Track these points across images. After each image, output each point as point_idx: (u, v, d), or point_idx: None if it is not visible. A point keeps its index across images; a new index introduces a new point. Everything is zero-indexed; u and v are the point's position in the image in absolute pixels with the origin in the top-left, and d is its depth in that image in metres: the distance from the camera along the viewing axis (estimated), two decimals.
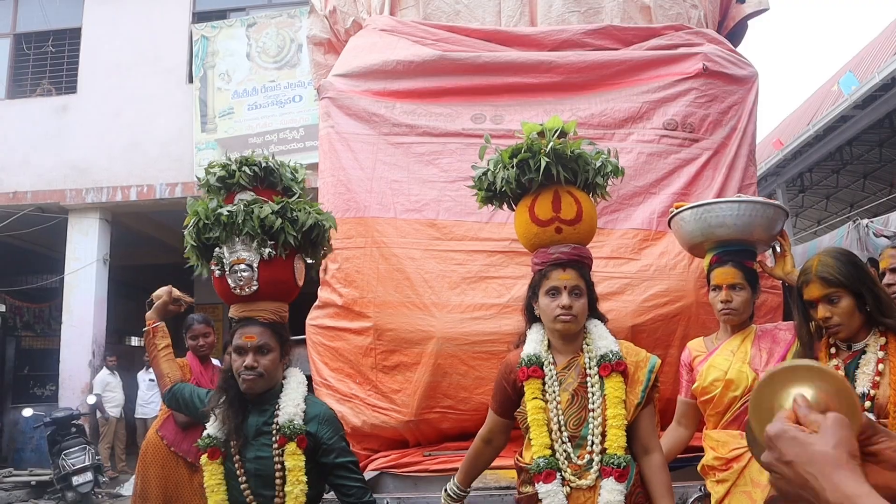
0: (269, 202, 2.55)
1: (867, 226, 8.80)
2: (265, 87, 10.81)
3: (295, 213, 2.57)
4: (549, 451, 2.29)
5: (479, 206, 2.79)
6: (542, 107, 3.78)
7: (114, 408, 10.76)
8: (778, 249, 3.03)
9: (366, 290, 3.70)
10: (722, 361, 2.71)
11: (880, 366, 2.10)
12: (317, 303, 4.01)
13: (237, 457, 2.45)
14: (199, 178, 2.66)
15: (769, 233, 2.94)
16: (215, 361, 4.46)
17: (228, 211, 2.49)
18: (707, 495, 2.78)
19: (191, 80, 11.21)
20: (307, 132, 10.26)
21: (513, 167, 2.54)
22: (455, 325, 3.51)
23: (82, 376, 10.80)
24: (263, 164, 2.63)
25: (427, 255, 3.65)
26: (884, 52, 11.67)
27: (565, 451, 2.30)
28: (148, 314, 2.83)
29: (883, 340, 2.15)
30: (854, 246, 8.82)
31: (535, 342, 2.45)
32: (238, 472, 2.42)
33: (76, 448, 8.97)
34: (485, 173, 2.66)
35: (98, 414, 10.72)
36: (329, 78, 4.12)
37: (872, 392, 2.07)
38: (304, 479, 2.38)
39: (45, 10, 12.27)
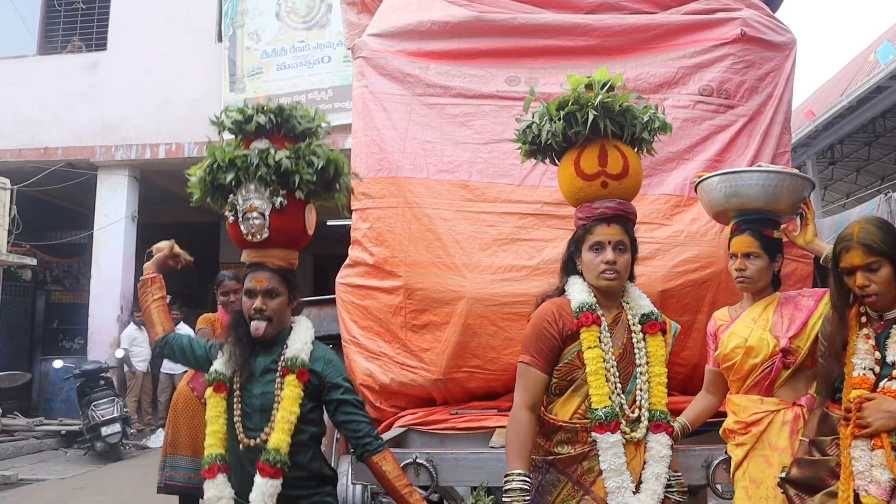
0: (283, 148, 2.61)
1: None
2: (294, 48, 10.82)
3: (309, 157, 2.62)
4: (610, 402, 2.30)
5: (523, 160, 2.81)
6: (576, 70, 3.71)
7: (141, 362, 11.01)
8: (800, 219, 3.02)
9: (397, 249, 3.74)
10: (743, 329, 2.74)
11: None
12: (347, 261, 4.06)
13: (238, 392, 2.56)
14: (216, 116, 2.70)
15: (793, 203, 2.94)
16: None
17: (244, 154, 2.56)
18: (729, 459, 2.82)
19: (220, 39, 11.26)
20: (336, 93, 10.28)
21: (559, 119, 2.53)
22: (485, 286, 3.54)
23: (110, 331, 11.05)
24: (279, 110, 2.68)
25: (459, 216, 3.68)
26: None
27: (620, 403, 2.33)
28: (147, 264, 2.91)
29: None
30: (886, 217, 8.74)
31: (584, 292, 2.44)
32: (235, 406, 2.55)
33: (105, 400, 9.23)
34: (529, 126, 2.66)
35: (125, 368, 10.98)
36: (363, 37, 4.12)
37: None
38: (295, 408, 2.48)
39: None
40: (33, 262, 11.28)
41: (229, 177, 2.56)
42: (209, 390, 2.59)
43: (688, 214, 3.59)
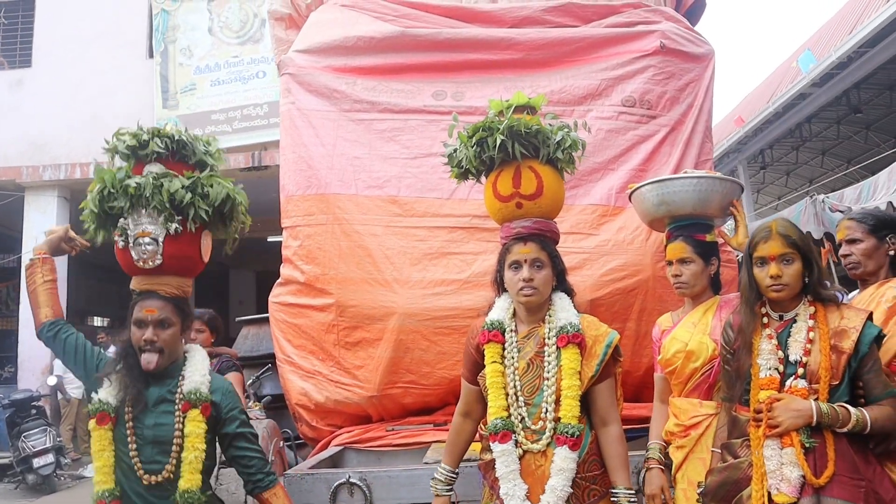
0: (180, 176, 2.51)
1: (823, 201, 9.03)
2: (228, 63, 10.67)
3: (206, 189, 2.52)
4: (505, 413, 2.37)
5: (457, 182, 2.85)
6: (502, 83, 3.80)
7: (75, 389, 10.64)
8: (734, 221, 3.10)
9: (328, 266, 3.71)
10: (683, 333, 2.78)
11: (811, 334, 2.17)
12: (279, 280, 4.01)
13: (130, 423, 2.42)
14: (106, 142, 2.58)
15: (723, 206, 3.01)
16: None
17: (136, 182, 2.44)
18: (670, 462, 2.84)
19: (151, 55, 11.02)
20: (271, 108, 10.15)
21: (472, 145, 2.58)
22: (416, 301, 3.54)
23: (42, 357, 10.65)
24: (176, 137, 2.57)
25: (388, 231, 3.67)
26: (841, 31, 11.86)
27: (520, 414, 2.38)
28: (37, 245, 2.73)
29: (812, 310, 2.22)
30: (811, 220, 9.03)
31: (500, 310, 2.53)
32: (129, 438, 2.40)
33: (36, 430, 8.87)
34: (455, 150, 2.72)
35: (59, 395, 10.59)
36: (290, 54, 4.09)
37: (804, 359, 2.15)
38: (203, 446, 2.40)
39: None
40: None
41: (121, 204, 2.45)
42: (92, 422, 2.41)
43: (614, 224, 3.65)
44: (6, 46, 12.03)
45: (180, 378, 2.50)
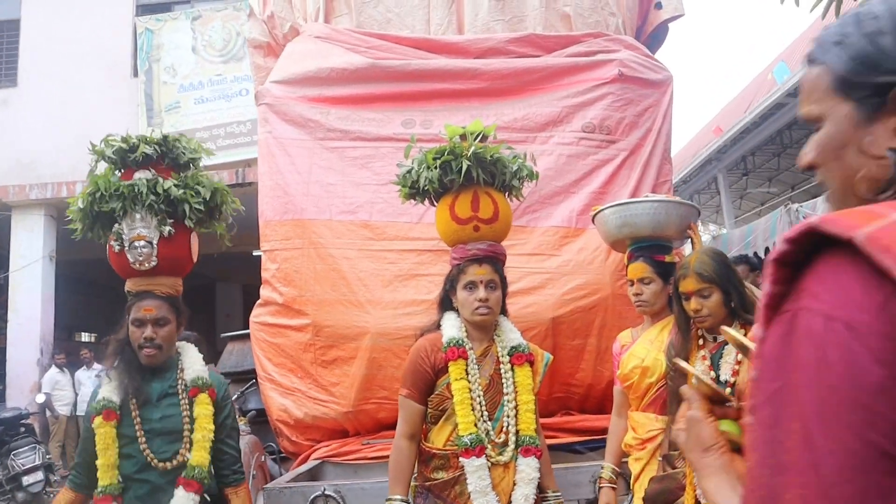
0: (168, 178, 2.65)
1: (797, 210, 9.28)
2: (211, 81, 10.82)
3: (195, 186, 2.68)
4: (475, 429, 2.48)
5: (402, 201, 2.99)
6: (468, 112, 3.98)
7: (64, 406, 10.72)
8: (690, 242, 3.29)
9: (304, 288, 3.88)
10: (640, 350, 2.94)
11: (739, 355, 2.37)
12: (259, 300, 4.18)
13: (137, 418, 2.53)
14: (92, 145, 2.69)
15: (681, 229, 3.20)
16: None
17: (130, 184, 2.56)
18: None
19: (136, 74, 11.15)
20: (254, 126, 10.25)
21: (436, 168, 2.72)
22: (388, 321, 3.71)
23: (30, 375, 10.73)
24: (163, 140, 2.72)
25: (361, 254, 3.84)
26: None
27: (486, 429, 2.51)
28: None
29: (742, 332, 2.42)
30: (787, 228, 9.28)
31: (454, 328, 2.63)
32: (138, 431, 2.51)
33: (25, 448, 8.94)
34: (409, 171, 2.85)
35: (48, 413, 10.67)
36: (266, 84, 4.27)
37: (733, 379, 2.34)
38: (211, 426, 2.54)
39: None
40: None
41: (115, 206, 2.57)
42: (98, 419, 2.51)
43: (575, 244, 3.84)
44: None
45: (179, 371, 2.64)
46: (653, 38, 5.00)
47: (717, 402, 1.11)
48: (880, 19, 0.84)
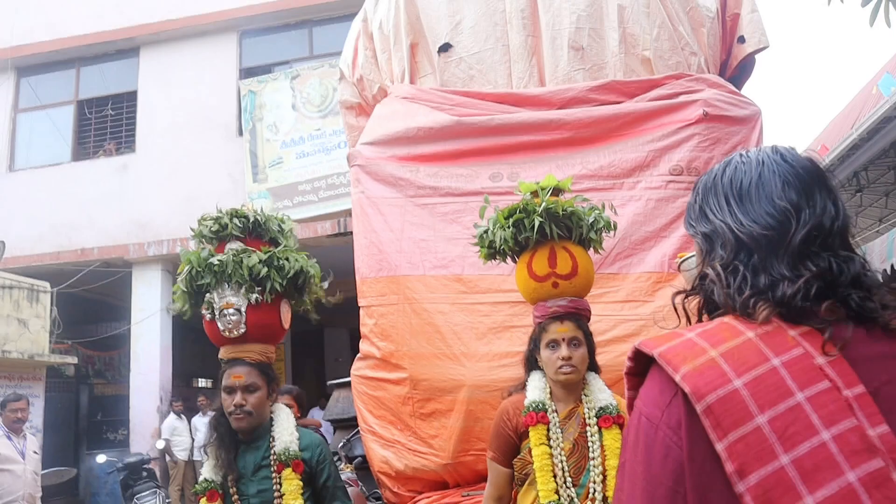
0: (257, 251, 2.76)
1: None
2: (311, 136, 11.30)
3: (280, 262, 2.77)
4: (556, 497, 2.43)
5: (483, 261, 3.00)
6: (554, 162, 4.03)
7: (182, 451, 11.25)
8: None
9: (400, 343, 3.99)
10: None
11: None
12: (359, 354, 4.31)
13: (235, 495, 2.59)
14: (192, 230, 2.88)
15: None
16: None
17: (219, 260, 2.69)
18: None
19: (241, 134, 11.80)
20: None
21: (509, 227, 2.72)
22: (484, 373, 3.76)
23: (151, 421, 11.36)
24: (252, 217, 2.85)
25: (455, 308, 3.92)
26: None
27: (569, 496, 2.45)
28: None
29: None
30: None
31: (538, 389, 2.59)
32: None
33: (147, 492, 9.43)
34: (485, 231, 2.87)
35: (167, 458, 11.22)
36: (357, 146, 4.46)
37: None
38: (299, 501, 2.56)
39: (104, 75, 13.09)
40: (75, 360, 11.72)
41: (207, 280, 2.70)
42: (203, 500, 2.58)
43: (668, 290, 3.77)
44: (114, 134, 13.14)
45: (271, 440, 2.68)
46: (740, 70, 4.91)
47: None
48: (694, 192, 1.23)
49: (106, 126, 13.20)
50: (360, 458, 5.99)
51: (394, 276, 4.07)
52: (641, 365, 1.03)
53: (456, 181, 4.15)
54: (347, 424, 6.62)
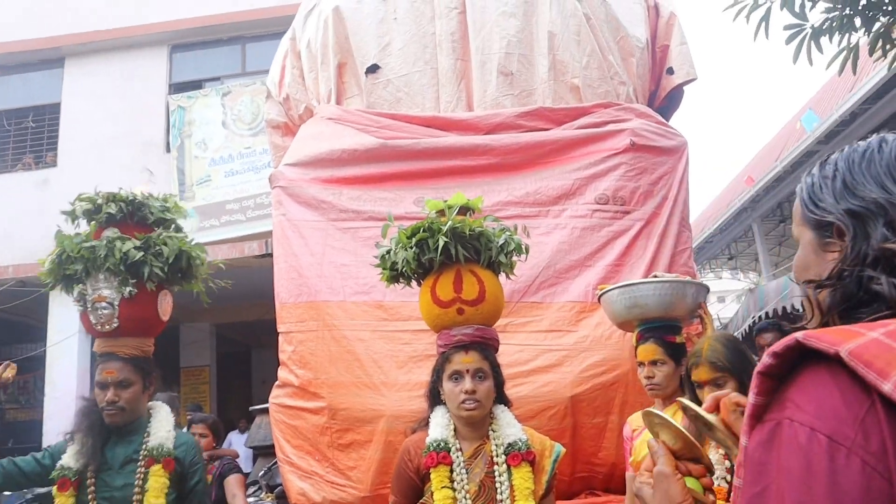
0: (132, 238, 2.60)
1: None
2: (241, 154, 11.05)
3: (158, 246, 2.60)
4: None
5: (386, 284, 2.81)
6: (480, 188, 3.98)
7: None
8: (700, 322, 3.18)
9: (319, 371, 3.85)
10: None
11: None
12: (277, 382, 4.15)
13: (92, 486, 2.45)
14: (64, 212, 2.73)
15: (691, 308, 3.08)
16: None
17: (91, 245, 2.54)
18: None
19: (168, 150, 11.46)
20: None
21: (412, 247, 2.53)
22: (403, 403, 3.64)
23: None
24: (131, 199, 2.69)
25: (375, 335, 3.81)
26: (841, 90, 12.02)
27: None
28: None
29: None
30: None
31: (441, 426, 2.36)
32: (90, 501, 2.43)
33: None
34: (388, 252, 2.69)
35: None
36: (280, 167, 4.33)
37: None
38: (161, 500, 2.43)
39: (26, 85, 12.58)
40: None
41: (77, 268, 2.55)
42: (54, 489, 2.43)
43: (592, 319, 3.75)
44: (34, 148, 12.60)
45: (145, 435, 2.56)
46: (668, 101, 4.98)
47: (684, 458, 1.16)
48: (830, 167, 1.04)
49: (26, 138, 12.65)
50: (280, 488, 5.79)
51: (313, 302, 3.94)
52: (787, 364, 0.80)
53: (380, 205, 4.05)
54: (269, 452, 6.40)
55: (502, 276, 2.73)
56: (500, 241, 2.57)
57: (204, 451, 4.31)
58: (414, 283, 2.73)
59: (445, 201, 2.62)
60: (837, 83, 13.18)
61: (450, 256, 2.47)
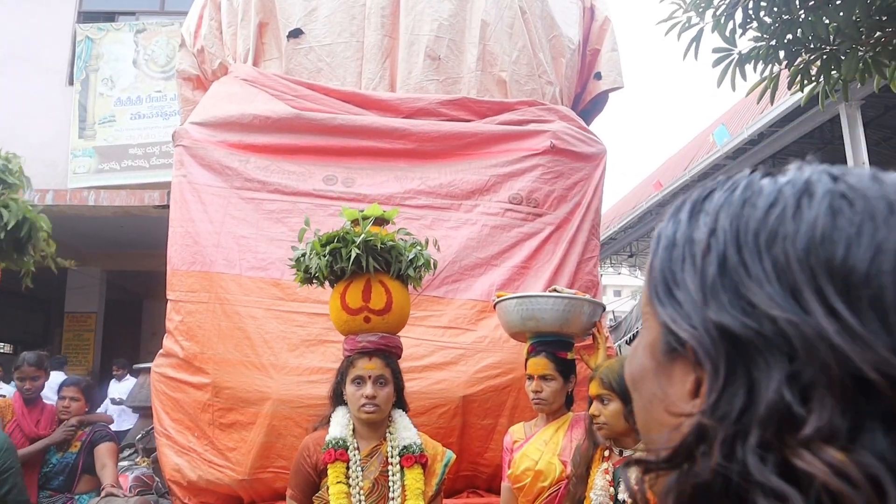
0: None
1: None
2: (151, 97, 10.46)
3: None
4: None
5: (299, 286, 2.82)
6: (392, 172, 3.86)
7: None
8: (594, 340, 3.16)
9: (206, 345, 3.68)
10: (534, 451, 2.79)
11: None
12: (161, 350, 3.95)
13: None
14: None
15: (586, 326, 3.06)
16: (49, 402, 4.24)
17: None
18: None
19: (71, 83, 10.74)
20: None
21: (325, 255, 2.57)
22: (291, 388, 3.53)
23: None
24: None
25: (269, 314, 3.66)
26: (753, 111, 12.46)
27: None
28: None
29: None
30: None
31: (340, 426, 2.49)
32: None
33: None
34: (303, 255, 2.70)
35: None
36: (185, 125, 4.08)
37: (629, 501, 2.24)
38: None
39: None
40: None
41: None
42: None
43: (492, 320, 3.71)
44: None
45: None
46: (591, 105, 4.98)
47: None
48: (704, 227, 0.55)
49: None
50: (157, 454, 5.57)
51: (207, 273, 3.74)
52: None
53: (287, 178, 3.87)
54: (150, 413, 6.16)
55: None
56: (411, 256, 2.66)
57: (75, 416, 4.06)
58: (326, 284, 2.79)
59: (361, 211, 2.66)
60: (750, 103, 13.68)
61: (361, 267, 2.56)
